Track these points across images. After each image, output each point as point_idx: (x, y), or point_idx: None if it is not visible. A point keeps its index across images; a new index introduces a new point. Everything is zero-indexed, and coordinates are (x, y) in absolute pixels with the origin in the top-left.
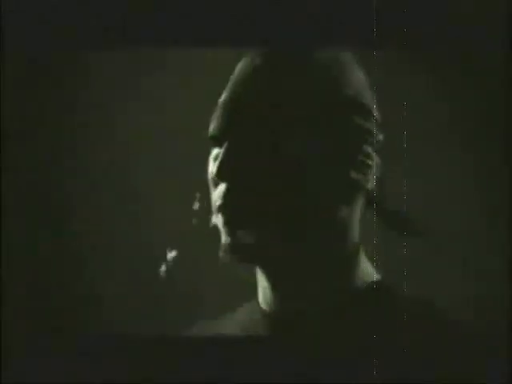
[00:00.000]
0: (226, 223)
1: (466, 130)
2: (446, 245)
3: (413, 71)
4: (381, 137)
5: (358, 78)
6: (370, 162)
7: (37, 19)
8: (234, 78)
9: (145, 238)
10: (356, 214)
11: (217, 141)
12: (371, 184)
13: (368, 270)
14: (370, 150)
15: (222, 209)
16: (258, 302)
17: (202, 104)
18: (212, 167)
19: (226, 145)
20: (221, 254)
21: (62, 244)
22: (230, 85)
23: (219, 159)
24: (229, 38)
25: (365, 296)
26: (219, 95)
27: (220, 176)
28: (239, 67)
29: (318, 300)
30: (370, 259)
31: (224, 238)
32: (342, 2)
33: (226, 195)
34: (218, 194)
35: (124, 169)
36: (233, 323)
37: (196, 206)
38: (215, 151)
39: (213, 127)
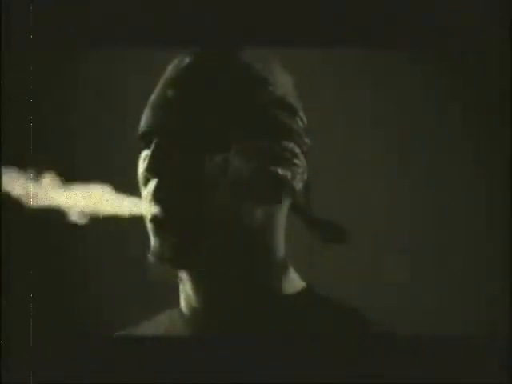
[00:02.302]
0: (152, 220)
1: (465, 129)
2: (445, 245)
3: (413, 71)
4: (308, 140)
5: (286, 79)
6: (296, 161)
7: (37, 19)
8: (163, 78)
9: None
10: (283, 215)
11: (146, 140)
12: (298, 185)
13: (294, 275)
14: (297, 149)
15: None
16: (179, 307)
17: None
18: (141, 167)
19: (155, 141)
20: (149, 257)
21: (62, 244)
22: (159, 85)
23: (149, 154)
24: (229, 38)
25: (294, 301)
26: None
27: (150, 171)
28: (169, 68)
29: (244, 304)
30: (294, 265)
31: (152, 240)
32: (341, 1)
33: (156, 191)
34: (147, 191)
35: (124, 169)
36: (155, 328)
37: None
38: (145, 153)
39: (141, 125)
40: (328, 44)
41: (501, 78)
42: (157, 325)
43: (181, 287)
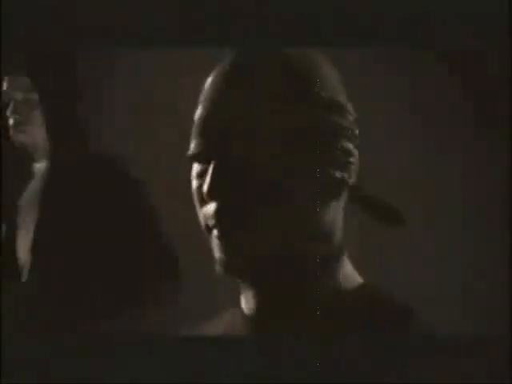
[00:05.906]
0: (220, 238)
1: (465, 129)
2: (445, 245)
3: (413, 71)
4: (357, 131)
5: (332, 77)
6: (351, 159)
7: (37, 19)
8: (207, 93)
9: (147, 238)
10: (340, 214)
11: (199, 158)
12: (353, 180)
13: (351, 272)
14: (350, 146)
15: (215, 227)
16: (240, 308)
17: None
18: (196, 184)
19: (213, 164)
20: (217, 267)
21: (63, 244)
22: (205, 100)
23: (209, 179)
24: (230, 38)
25: (349, 298)
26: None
27: (211, 196)
28: (211, 81)
29: (302, 303)
30: (352, 259)
31: (218, 254)
32: (341, 1)
33: (218, 214)
34: (208, 213)
35: (126, 169)
36: (217, 327)
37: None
38: (197, 167)
39: (194, 145)
40: (328, 44)
41: (501, 78)
42: (220, 324)
43: (242, 289)
